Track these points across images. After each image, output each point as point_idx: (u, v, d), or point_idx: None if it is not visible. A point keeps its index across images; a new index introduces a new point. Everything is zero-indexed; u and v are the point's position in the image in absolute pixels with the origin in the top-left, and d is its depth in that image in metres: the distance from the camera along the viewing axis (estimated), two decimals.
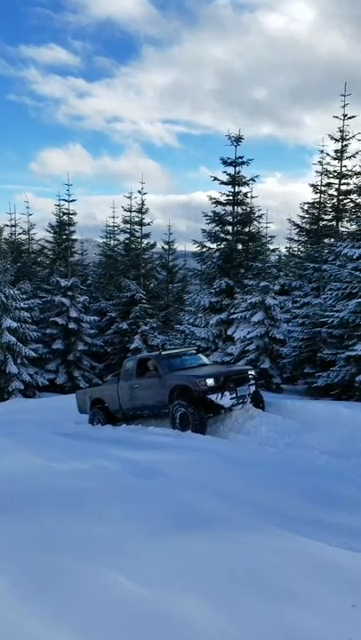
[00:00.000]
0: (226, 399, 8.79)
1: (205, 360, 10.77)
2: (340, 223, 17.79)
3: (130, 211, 22.41)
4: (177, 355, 10.47)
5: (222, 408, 8.94)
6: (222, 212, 16.52)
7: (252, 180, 16.49)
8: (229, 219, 16.56)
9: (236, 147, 15.91)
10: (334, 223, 17.98)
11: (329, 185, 17.90)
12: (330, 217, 18.33)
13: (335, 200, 17.87)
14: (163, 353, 10.36)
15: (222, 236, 16.66)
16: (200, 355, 11.02)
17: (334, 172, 17.52)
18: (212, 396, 8.69)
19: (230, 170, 16.17)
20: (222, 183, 16.28)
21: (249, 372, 9.62)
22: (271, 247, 18.00)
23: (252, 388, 9.39)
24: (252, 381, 9.48)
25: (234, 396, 8.89)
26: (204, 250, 16.82)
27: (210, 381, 8.73)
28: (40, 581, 2.64)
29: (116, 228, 26.82)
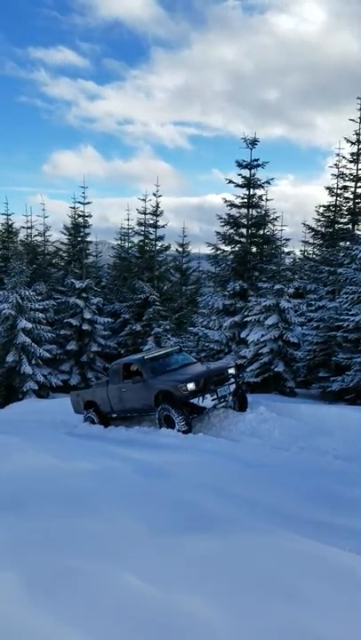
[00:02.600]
0: (207, 401, 9.01)
1: (190, 358, 10.87)
2: (355, 226, 17.60)
3: (144, 213, 22.46)
4: (160, 357, 10.54)
5: (205, 409, 9.15)
6: (237, 215, 16.48)
7: (268, 182, 16.42)
8: (244, 221, 16.51)
9: (251, 149, 15.88)
10: (350, 226, 17.81)
11: (345, 188, 17.73)
12: (346, 220, 18.16)
13: (351, 203, 17.70)
14: (146, 357, 10.42)
15: (237, 238, 16.61)
16: (184, 352, 11.15)
17: (350, 174, 17.35)
18: (194, 400, 8.91)
19: (245, 172, 16.15)
20: (237, 186, 16.26)
21: (228, 371, 9.70)
22: (286, 250, 17.88)
23: (233, 387, 9.52)
24: (232, 380, 9.59)
25: (215, 396, 9.10)
26: (219, 252, 16.79)
27: (190, 386, 8.91)
28: (49, 580, 2.64)
29: (130, 231, 26.92)
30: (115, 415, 11.11)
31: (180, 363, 10.35)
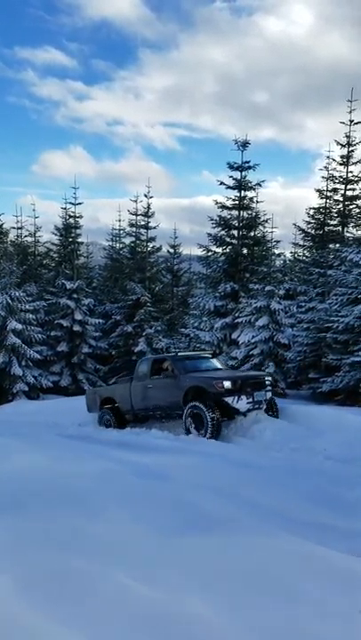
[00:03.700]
0: (242, 403, 8.73)
1: (221, 365, 10.75)
2: (345, 229, 17.77)
3: (135, 214, 22.45)
4: (193, 357, 10.45)
5: (238, 412, 8.85)
6: (228, 217, 16.56)
7: (258, 184, 16.53)
8: (235, 223, 16.60)
9: (242, 152, 15.99)
10: (340, 228, 17.97)
11: (335, 190, 17.89)
12: (335, 222, 18.32)
13: (341, 205, 17.86)
14: (179, 354, 10.35)
15: (228, 240, 16.69)
16: (215, 359, 10.97)
17: (340, 177, 17.52)
18: (229, 399, 8.62)
19: (236, 174, 16.24)
20: (228, 188, 16.34)
21: (266, 379, 9.54)
22: (276, 252, 18.02)
23: (269, 394, 9.35)
24: (269, 387, 9.43)
25: (250, 400, 8.81)
26: (210, 254, 16.85)
27: (227, 384, 8.64)
28: (48, 581, 2.66)
29: (121, 232, 26.89)
30: (132, 415, 10.81)
31: (213, 366, 10.25)
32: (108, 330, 21.90)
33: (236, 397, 8.66)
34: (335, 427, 8.30)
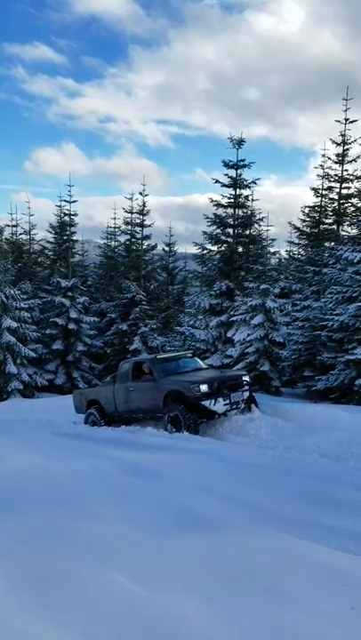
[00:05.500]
0: (219, 405, 8.85)
1: (201, 364, 10.79)
2: (340, 227, 17.77)
3: (130, 212, 22.41)
4: (172, 358, 10.48)
5: (216, 413, 8.99)
6: (223, 215, 16.53)
7: (253, 182, 16.51)
8: (230, 221, 16.57)
9: (237, 150, 15.95)
10: (335, 227, 17.97)
11: (330, 189, 17.89)
12: (331, 221, 18.31)
13: (336, 204, 17.86)
14: (158, 357, 10.36)
15: (223, 238, 16.66)
16: (196, 358, 11.04)
17: (335, 175, 17.52)
18: (206, 402, 8.74)
19: (232, 172, 16.21)
20: (224, 185, 16.30)
21: (243, 378, 9.62)
22: (272, 250, 18.00)
23: (246, 394, 9.43)
24: (246, 387, 9.52)
25: (228, 401, 8.94)
26: (205, 252, 16.82)
27: (203, 387, 8.76)
28: (40, 582, 2.64)
29: (116, 230, 26.84)
30: (117, 416, 10.86)
31: (193, 367, 10.27)
32: (103, 328, 21.89)
33: (213, 400, 8.79)
34: (329, 425, 8.32)
